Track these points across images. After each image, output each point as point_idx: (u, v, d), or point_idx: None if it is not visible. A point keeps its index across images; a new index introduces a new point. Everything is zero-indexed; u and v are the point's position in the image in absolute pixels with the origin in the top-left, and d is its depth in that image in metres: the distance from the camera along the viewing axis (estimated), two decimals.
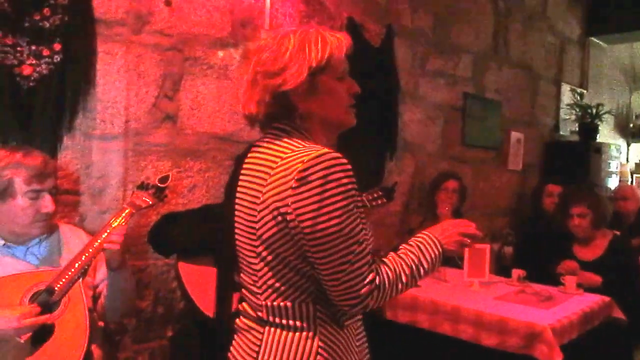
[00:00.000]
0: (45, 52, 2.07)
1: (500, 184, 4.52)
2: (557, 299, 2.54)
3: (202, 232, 2.16)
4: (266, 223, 1.14)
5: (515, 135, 4.59)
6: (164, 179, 1.97)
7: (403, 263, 1.19)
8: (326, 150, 1.10)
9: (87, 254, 1.70)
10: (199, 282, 2.13)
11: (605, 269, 2.86)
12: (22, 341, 1.56)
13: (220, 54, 2.61)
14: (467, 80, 4.10)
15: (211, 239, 2.08)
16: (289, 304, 1.17)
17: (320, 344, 1.17)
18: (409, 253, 1.21)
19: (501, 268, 3.32)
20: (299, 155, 1.10)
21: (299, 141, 1.17)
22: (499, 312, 2.28)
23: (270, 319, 1.19)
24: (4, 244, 1.76)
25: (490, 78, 4.31)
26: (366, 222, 1.17)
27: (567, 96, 5.21)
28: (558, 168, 4.71)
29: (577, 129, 5.16)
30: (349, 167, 1.10)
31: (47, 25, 2.06)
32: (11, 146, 1.87)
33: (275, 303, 1.18)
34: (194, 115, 2.53)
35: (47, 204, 1.75)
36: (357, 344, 1.26)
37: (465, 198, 3.59)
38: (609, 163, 5.12)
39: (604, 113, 5.05)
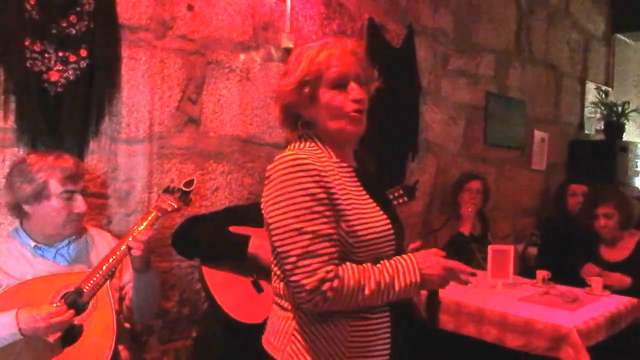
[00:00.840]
0: (72, 58, 2.11)
1: (524, 184, 4.47)
2: (583, 300, 2.50)
3: (224, 235, 2.18)
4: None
5: (539, 134, 4.54)
6: (188, 183, 2.01)
7: (372, 277, 1.22)
8: (294, 154, 1.23)
9: (114, 257, 1.74)
10: (223, 284, 2.15)
11: (633, 269, 2.81)
12: (51, 341, 1.60)
13: (242, 57, 2.63)
14: (490, 79, 4.06)
15: (233, 242, 2.10)
16: (283, 287, 1.32)
17: (297, 327, 1.29)
18: (384, 270, 1.24)
19: (525, 269, 3.29)
20: (279, 157, 1.25)
21: (302, 144, 1.31)
22: (523, 314, 2.26)
23: (274, 298, 1.38)
24: (35, 246, 1.81)
25: (513, 77, 4.26)
26: (353, 223, 1.24)
27: (592, 94, 5.12)
28: (583, 167, 4.64)
29: (602, 127, 5.08)
30: (315, 170, 1.21)
31: (74, 31, 2.11)
32: (42, 150, 1.92)
33: (277, 285, 1.35)
34: (217, 118, 2.56)
35: (79, 204, 1.82)
36: (350, 339, 1.28)
37: (489, 198, 3.56)
38: (636, 162, 5.03)
39: (631, 111, 4.97)
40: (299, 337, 1.29)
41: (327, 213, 1.21)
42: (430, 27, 3.57)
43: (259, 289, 2.11)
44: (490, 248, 2.80)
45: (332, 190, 1.23)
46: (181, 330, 2.50)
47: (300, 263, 1.19)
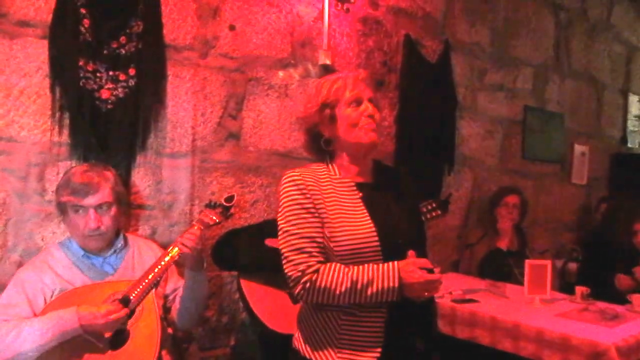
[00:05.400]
0: (122, 77, 2.23)
1: (564, 198, 4.40)
2: (624, 317, 2.45)
3: (261, 250, 2.24)
4: None
5: (579, 148, 4.46)
6: (229, 199, 2.10)
7: (351, 276, 1.40)
8: (291, 173, 1.50)
9: (160, 266, 1.83)
10: (260, 295, 2.21)
11: None
12: (100, 344, 1.70)
13: (281, 74, 2.72)
14: (528, 93, 4.04)
15: (270, 255, 2.16)
16: None
17: (302, 316, 1.56)
18: (365, 272, 1.40)
19: (565, 285, 3.24)
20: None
21: (313, 165, 1.56)
22: (561, 330, 2.24)
23: None
24: (84, 254, 1.91)
25: (551, 90, 4.22)
26: (334, 230, 1.43)
27: (635, 107, 5.01)
28: (626, 181, 4.53)
29: None
30: (303, 184, 1.46)
31: (123, 52, 2.23)
32: (89, 163, 2.03)
33: None
34: (256, 133, 2.65)
35: (89, 220, 1.84)
36: (340, 331, 1.45)
37: (526, 213, 3.53)
38: None
39: None
40: (302, 325, 1.55)
41: (312, 219, 1.45)
42: (467, 42, 3.59)
43: (295, 300, 2.17)
44: (527, 263, 2.78)
45: (318, 201, 1.46)
46: (220, 338, 2.57)
47: (289, 258, 1.44)
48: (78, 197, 1.84)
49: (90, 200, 1.85)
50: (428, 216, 2.58)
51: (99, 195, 1.86)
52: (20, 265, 1.99)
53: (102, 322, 1.68)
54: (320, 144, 1.55)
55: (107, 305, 1.72)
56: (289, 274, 1.43)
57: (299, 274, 1.41)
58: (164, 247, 2.06)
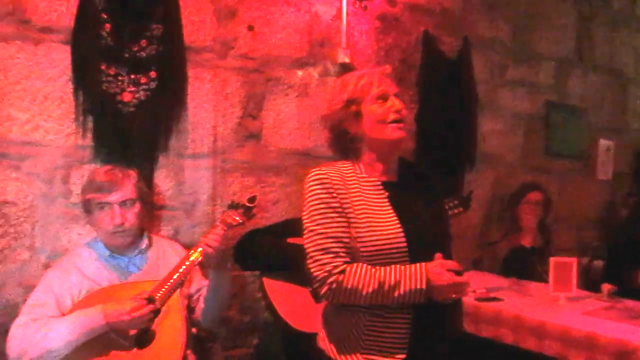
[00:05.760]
0: (143, 80, 2.26)
1: (589, 195, 4.32)
2: None
3: (283, 249, 2.25)
4: None
5: (604, 143, 4.38)
6: (252, 199, 2.11)
7: (378, 277, 1.38)
8: (316, 171, 1.48)
9: (184, 266, 1.85)
10: (282, 294, 2.22)
11: None
12: (126, 343, 1.72)
13: (300, 73, 2.72)
14: (550, 88, 3.97)
15: (292, 254, 2.17)
16: None
17: (327, 315, 1.56)
18: (392, 273, 1.38)
19: (590, 283, 3.18)
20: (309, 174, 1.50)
21: (338, 162, 1.53)
22: (587, 328, 2.20)
23: None
24: (110, 254, 1.94)
25: (574, 85, 4.15)
26: (361, 231, 1.41)
27: None
28: None
29: None
30: (329, 183, 1.44)
31: (144, 55, 2.26)
32: (109, 167, 2.05)
33: None
34: (276, 133, 2.66)
35: (114, 216, 1.88)
36: (366, 332, 1.43)
37: (550, 210, 3.47)
38: None
39: None
40: (327, 326, 1.54)
41: (339, 219, 1.42)
42: (487, 38, 3.54)
43: (317, 299, 2.17)
44: (552, 260, 2.74)
45: (345, 200, 1.44)
46: (243, 338, 2.59)
47: (315, 257, 1.41)
48: (102, 193, 1.88)
49: (115, 197, 1.88)
50: (450, 213, 2.56)
51: (123, 191, 1.90)
52: (47, 266, 2.03)
53: (127, 318, 1.70)
54: (345, 142, 1.53)
55: (132, 302, 1.74)
56: (315, 274, 1.42)
57: (325, 274, 1.40)
58: (187, 247, 2.08)
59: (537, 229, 3.33)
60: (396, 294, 1.37)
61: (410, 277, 1.37)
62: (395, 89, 1.52)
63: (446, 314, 1.48)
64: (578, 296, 2.69)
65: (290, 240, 2.24)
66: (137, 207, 1.94)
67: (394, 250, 1.41)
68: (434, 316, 1.45)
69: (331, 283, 1.39)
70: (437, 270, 1.38)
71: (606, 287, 2.71)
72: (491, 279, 3.03)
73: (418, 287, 1.36)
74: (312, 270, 1.42)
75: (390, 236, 1.42)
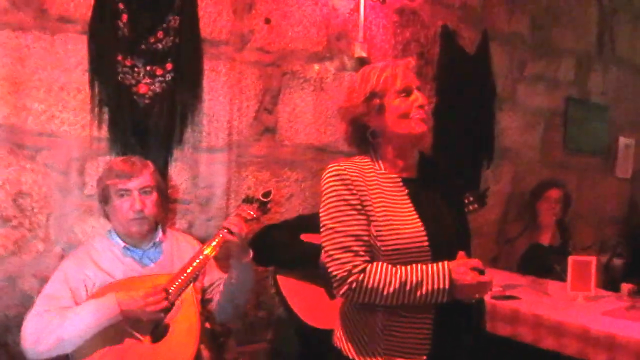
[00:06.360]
0: (159, 72, 2.24)
1: (608, 192, 4.25)
2: None
3: (297, 245, 2.23)
4: None
5: (623, 140, 4.30)
6: (267, 194, 2.09)
7: (400, 276, 1.34)
8: (335, 166, 1.42)
9: (198, 260, 1.84)
10: (296, 290, 2.20)
11: None
12: (140, 337, 1.71)
13: (316, 67, 2.69)
14: (570, 83, 3.90)
15: (307, 251, 2.14)
16: None
17: (344, 314, 1.50)
18: (414, 272, 1.34)
19: (610, 281, 3.12)
20: (326, 169, 1.45)
21: (356, 157, 1.48)
22: (606, 328, 2.16)
23: None
24: (124, 246, 1.93)
25: (595, 80, 4.07)
26: (381, 228, 1.36)
27: None
28: None
29: None
30: (349, 179, 1.39)
31: (161, 46, 2.24)
32: (126, 157, 2.05)
33: None
34: (292, 128, 2.63)
35: (134, 202, 1.87)
36: (386, 333, 1.39)
37: (569, 207, 3.42)
38: None
39: None
40: (344, 324, 1.49)
41: (359, 216, 1.38)
42: (506, 32, 3.49)
43: (332, 296, 2.15)
44: (570, 259, 2.69)
45: (364, 197, 1.39)
46: (258, 333, 2.57)
47: (334, 256, 1.37)
48: (123, 179, 1.88)
49: (134, 183, 1.89)
50: (465, 210, 2.53)
51: (142, 178, 1.90)
52: (62, 258, 2.02)
53: (141, 304, 1.69)
54: (364, 136, 1.47)
55: (146, 288, 1.73)
56: (334, 273, 1.37)
57: (345, 273, 1.35)
58: (202, 241, 2.06)
59: (555, 227, 3.28)
60: (419, 293, 1.33)
61: (433, 276, 1.33)
62: (417, 82, 1.48)
63: (470, 313, 1.44)
64: (597, 295, 2.64)
65: (304, 236, 2.22)
66: (155, 195, 1.94)
67: (416, 249, 1.37)
68: (457, 316, 1.41)
69: (351, 282, 1.35)
70: (461, 270, 1.34)
71: (626, 286, 2.66)
72: (509, 276, 2.98)
73: (441, 286, 1.32)
74: (332, 269, 1.37)
75: (412, 234, 1.37)
